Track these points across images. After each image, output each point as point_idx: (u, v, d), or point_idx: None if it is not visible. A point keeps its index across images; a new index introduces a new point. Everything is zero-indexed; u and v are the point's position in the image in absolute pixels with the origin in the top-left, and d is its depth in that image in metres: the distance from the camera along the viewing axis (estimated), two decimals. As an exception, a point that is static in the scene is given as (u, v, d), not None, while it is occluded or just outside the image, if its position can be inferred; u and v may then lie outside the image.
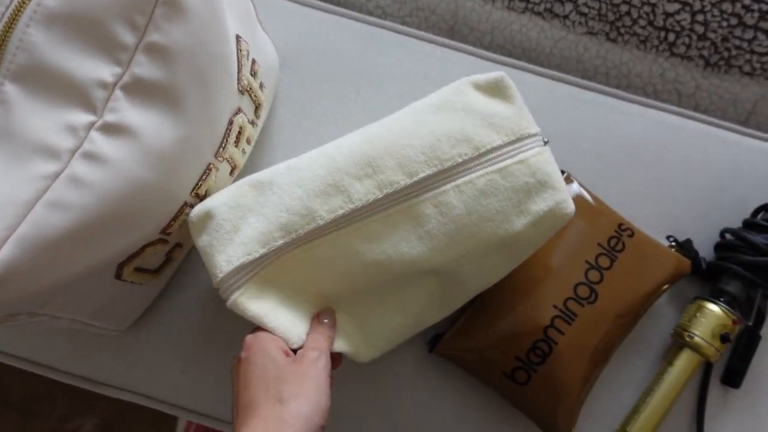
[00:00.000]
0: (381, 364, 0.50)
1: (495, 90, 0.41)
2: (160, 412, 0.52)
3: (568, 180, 0.50)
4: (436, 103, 0.40)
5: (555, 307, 0.45)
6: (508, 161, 0.38)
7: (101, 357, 0.51)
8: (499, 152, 0.38)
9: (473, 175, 0.38)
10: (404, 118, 0.40)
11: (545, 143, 0.40)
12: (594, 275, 0.47)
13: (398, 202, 0.38)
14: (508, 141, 0.39)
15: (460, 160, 0.38)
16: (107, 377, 0.52)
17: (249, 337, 0.37)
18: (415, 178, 0.37)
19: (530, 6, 0.59)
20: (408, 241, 0.38)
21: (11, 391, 0.86)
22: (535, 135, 0.39)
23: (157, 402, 0.52)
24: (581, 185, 0.50)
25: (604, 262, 0.47)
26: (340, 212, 0.37)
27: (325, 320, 0.40)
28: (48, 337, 0.52)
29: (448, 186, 0.38)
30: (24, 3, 0.32)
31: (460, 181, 0.38)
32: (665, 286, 0.48)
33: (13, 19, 0.32)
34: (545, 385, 0.45)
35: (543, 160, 0.39)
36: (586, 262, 0.47)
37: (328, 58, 0.56)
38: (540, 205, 0.39)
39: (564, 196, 0.39)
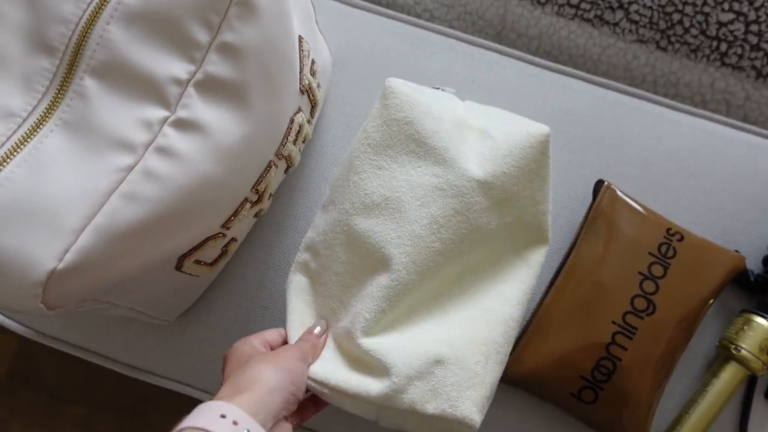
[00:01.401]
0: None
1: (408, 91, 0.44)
2: (182, 399, 0.53)
3: (609, 189, 0.50)
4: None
5: (614, 323, 0.45)
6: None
7: (147, 346, 0.53)
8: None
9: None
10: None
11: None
12: (649, 286, 0.46)
13: None
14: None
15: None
16: (152, 365, 0.53)
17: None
18: None
19: (580, 12, 0.59)
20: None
21: (45, 376, 0.88)
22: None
23: (198, 391, 0.53)
24: (624, 193, 0.50)
25: (657, 270, 0.47)
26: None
27: (316, 330, 0.41)
28: (95, 324, 0.53)
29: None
30: (105, 1, 0.33)
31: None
32: (723, 285, 0.48)
33: (94, 17, 0.33)
34: (613, 402, 0.45)
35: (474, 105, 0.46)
36: (639, 273, 0.47)
37: (376, 60, 0.57)
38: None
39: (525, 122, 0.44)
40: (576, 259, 0.48)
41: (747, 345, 0.48)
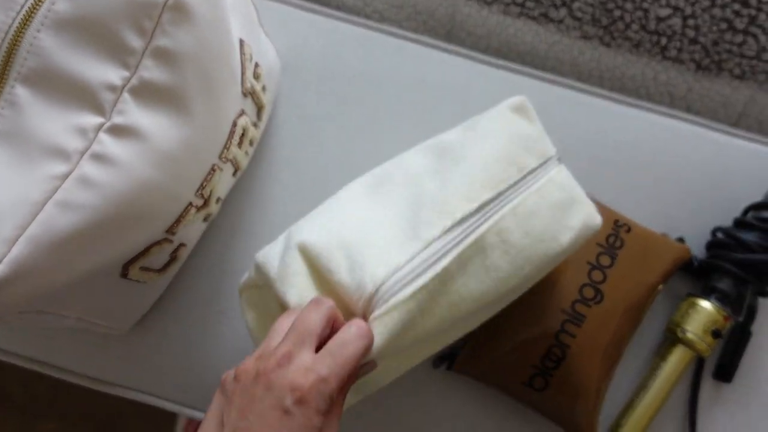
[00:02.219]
0: (391, 387, 0.50)
1: (522, 112, 0.42)
2: (160, 412, 0.53)
3: None
4: (479, 130, 0.40)
5: (563, 311, 0.46)
6: (542, 181, 0.38)
7: (106, 357, 0.52)
8: (535, 173, 0.39)
9: (521, 197, 0.37)
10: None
11: (559, 160, 0.41)
12: (597, 275, 0.48)
13: (467, 235, 0.36)
14: (540, 163, 0.39)
15: (511, 182, 0.37)
16: (112, 376, 0.53)
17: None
18: (476, 204, 0.36)
19: (525, 11, 0.60)
20: (476, 276, 0.36)
21: (13, 394, 0.86)
22: (554, 155, 0.40)
23: (161, 400, 0.53)
24: None
25: (605, 260, 0.48)
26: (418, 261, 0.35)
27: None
28: (52, 337, 0.52)
29: (506, 209, 0.36)
30: (35, 8, 0.33)
31: (514, 203, 0.37)
32: (668, 275, 0.49)
33: (24, 25, 0.33)
34: (563, 389, 0.46)
35: (565, 176, 0.40)
36: (588, 263, 0.48)
37: (327, 62, 0.57)
38: (575, 218, 0.39)
39: (591, 207, 0.40)
40: None
41: (692, 327, 0.49)
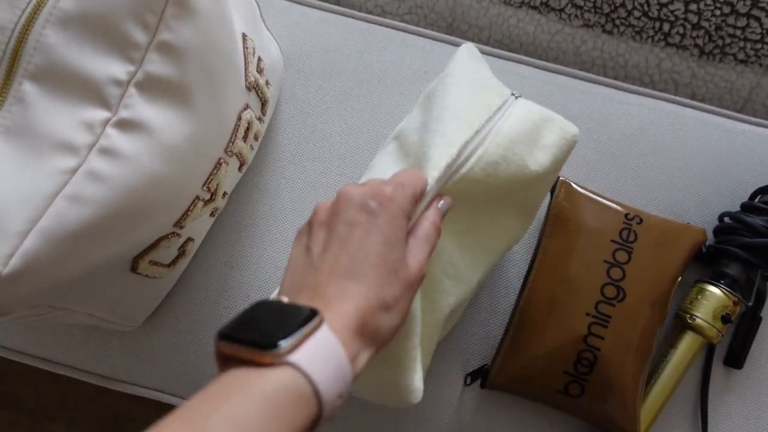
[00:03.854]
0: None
1: (476, 59, 0.44)
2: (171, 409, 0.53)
3: (564, 184, 0.50)
4: (441, 88, 0.42)
5: (588, 314, 0.46)
6: (513, 110, 0.40)
7: (116, 354, 0.53)
8: (502, 109, 0.40)
9: (499, 126, 0.39)
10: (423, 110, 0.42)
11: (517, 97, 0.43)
12: (616, 273, 0.47)
13: (455, 172, 0.37)
14: (503, 100, 0.41)
15: (485, 118, 0.39)
16: (122, 374, 0.53)
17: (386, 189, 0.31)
18: (456, 148, 0.37)
19: (527, 0, 0.60)
20: (470, 206, 0.39)
21: (23, 396, 0.87)
22: (509, 93, 0.42)
23: (171, 396, 0.53)
24: (579, 185, 0.50)
25: (621, 257, 0.47)
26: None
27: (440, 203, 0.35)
28: (63, 336, 0.53)
29: (487, 142, 0.38)
30: (40, 5, 0.33)
31: (493, 134, 0.38)
32: (688, 260, 0.49)
33: (30, 22, 0.33)
34: (600, 392, 0.45)
35: (528, 103, 0.42)
36: (605, 261, 0.47)
37: (330, 56, 0.58)
38: (551, 136, 0.40)
39: (562, 121, 0.42)
40: (543, 258, 0.48)
41: (701, 314, 0.49)
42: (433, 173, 0.35)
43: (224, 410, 0.21)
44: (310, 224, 0.32)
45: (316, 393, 0.23)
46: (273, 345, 0.23)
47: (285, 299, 0.28)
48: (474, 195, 0.38)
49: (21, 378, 0.87)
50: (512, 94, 0.42)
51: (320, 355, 0.24)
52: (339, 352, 0.25)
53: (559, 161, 0.41)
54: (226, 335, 0.24)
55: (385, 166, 0.41)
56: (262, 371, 0.23)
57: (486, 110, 0.39)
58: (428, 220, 0.33)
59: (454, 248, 0.40)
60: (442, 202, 0.35)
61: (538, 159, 0.40)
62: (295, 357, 0.23)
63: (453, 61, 0.44)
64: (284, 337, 0.24)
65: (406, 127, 0.43)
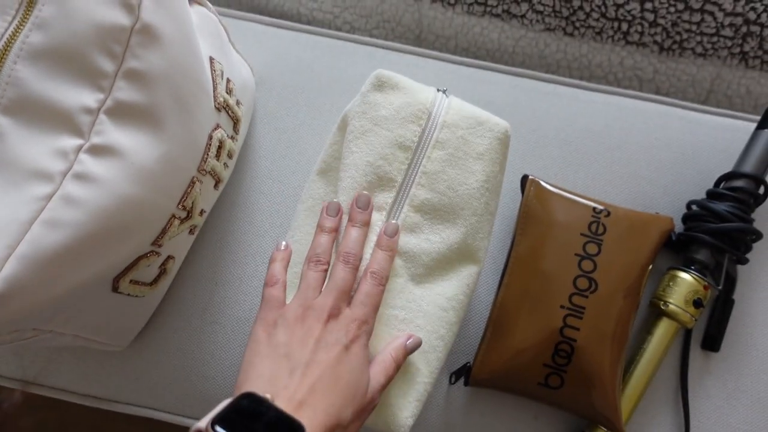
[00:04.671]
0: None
1: (383, 86, 0.43)
2: (166, 430, 0.54)
3: (534, 183, 0.52)
4: (353, 132, 0.43)
5: (562, 307, 0.47)
6: (437, 133, 0.42)
7: (106, 375, 0.54)
8: (425, 135, 0.42)
9: (427, 163, 0.41)
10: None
11: (445, 92, 0.44)
12: (587, 265, 0.48)
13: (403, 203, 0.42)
14: (425, 122, 0.42)
15: (404, 168, 0.41)
16: (113, 394, 0.54)
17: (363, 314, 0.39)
18: (384, 212, 0.42)
19: (488, 9, 0.62)
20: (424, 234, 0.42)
21: (21, 427, 0.88)
22: (436, 96, 0.43)
23: (163, 413, 0.54)
24: (548, 183, 0.52)
25: (592, 249, 0.49)
26: None
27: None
28: (52, 360, 0.54)
29: (414, 190, 0.42)
30: (11, 42, 0.35)
31: (420, 178, 0.41)
32: (657, 248, 0.50)
33: (1, 58, 0.35)
34: (579, 382, 0.46)
35: (456, 106, 0.43)
36: (576, 255, 0.49)
37: (301, 74, 0.59)
38: (483, 142, 0.42)
39: (492, 121, 0.43)
40: (516, 254, 0.50)
41: (674, 299, 0.50)
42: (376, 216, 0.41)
43: None
44: (281, 317, 0.39)
45: None
46: None
47: (275, 403, 0.33)
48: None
49: (19, 407, 0.87)
50: (439, 90, 0.43)
51: None
52: None
53: (499, 161, 0.43)
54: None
55: (307, 230, 0.44)
56: None
57: (404, 154, 0.41)
58: (391, 356, 0.39)
59: (419, 290, 0.42)
60: (410, 340, 0.40)
61: (477, 170, 0.42)
62: None
63: (365, 97, 0.44)
64: None
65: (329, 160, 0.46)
